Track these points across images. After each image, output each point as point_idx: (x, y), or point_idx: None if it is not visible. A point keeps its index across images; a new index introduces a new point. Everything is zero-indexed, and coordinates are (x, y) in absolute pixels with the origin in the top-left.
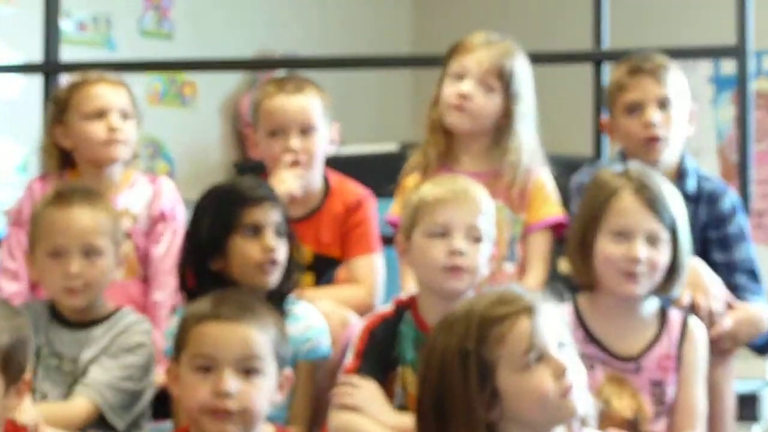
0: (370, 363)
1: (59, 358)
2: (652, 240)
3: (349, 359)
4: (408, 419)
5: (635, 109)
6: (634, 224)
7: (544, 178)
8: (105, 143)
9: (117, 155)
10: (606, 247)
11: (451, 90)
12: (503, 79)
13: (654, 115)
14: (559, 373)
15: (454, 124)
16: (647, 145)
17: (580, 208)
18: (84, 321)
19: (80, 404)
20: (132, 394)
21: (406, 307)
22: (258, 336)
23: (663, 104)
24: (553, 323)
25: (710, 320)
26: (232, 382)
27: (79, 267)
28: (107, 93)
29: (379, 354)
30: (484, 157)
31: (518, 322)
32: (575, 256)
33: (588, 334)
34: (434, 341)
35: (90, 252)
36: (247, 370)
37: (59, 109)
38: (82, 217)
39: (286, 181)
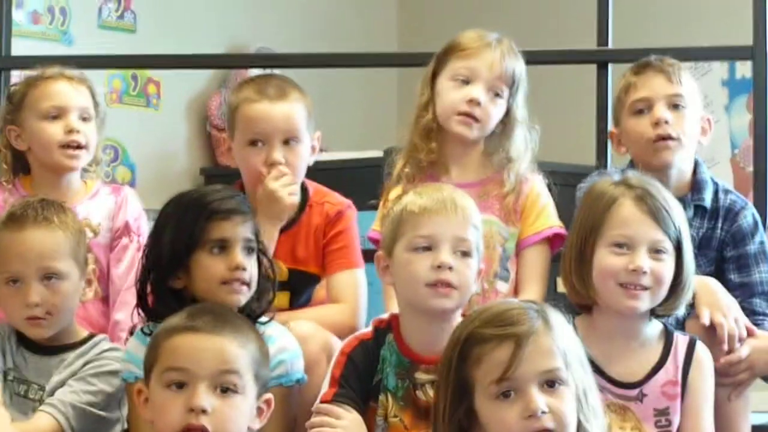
0: (348, 390)
1: (27, 385)
2: (655, 251)
3: (325, 386)
4: None
5: (643, 108)
6: (635, 234)
7: (539, 188)
8: (62, 147)
9: (74, 163)
10: (605, 259)
11: (458, 96)
12: (511, 84)
13: (664, 112)
14: (528, 413)
15: (462, 133)
16: (658, 146)
17: (577, 221)
18: (54, 346)
19: (43, 423)
20: (98, 421)
21: (386, 329)
22: (236, 350)
23: (674, 103)
24: (546, 354)
25: (730, 343)
26: (207, 398)
27: (38, 295)
28: (66, 90)
29: (358, 381)
30: (477, 167)
31: (499, 348)
32: (571, 273)
33: (588, 360)
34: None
35: (50, 277)
36: (224, 387)
37: (13, 107)
38: (38, 239)
39: (284, 197)
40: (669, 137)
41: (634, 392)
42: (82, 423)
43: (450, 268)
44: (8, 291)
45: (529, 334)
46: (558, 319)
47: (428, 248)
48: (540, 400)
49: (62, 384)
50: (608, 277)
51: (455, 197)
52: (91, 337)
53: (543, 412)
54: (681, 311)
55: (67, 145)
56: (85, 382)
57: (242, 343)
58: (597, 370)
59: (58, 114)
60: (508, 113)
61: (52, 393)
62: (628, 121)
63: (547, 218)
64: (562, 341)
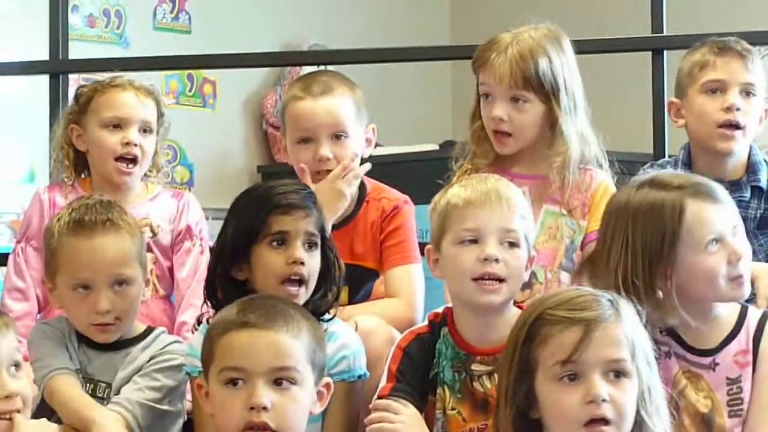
0: (405, 385)
1: (94, 384)
2: (735, 234)
3: (383, 381)
4: None
5: (717, 89)
6: (721, 226)
7: (608, 183)
8: (117, 159)
9: (125, 179)
10: (706, 260)
11: (485, 114)
12: (533, 84)
13: (737, 98)
14: (589, 398)
15: (500, 151)
16: (724, 131)
17: (633, 238)
18: (116, 342)
19: (112, 420)
20: (163, 416)
21: (441, 322)
22: (290, 342)
23: (747, 91)
24: (615, 340)
25: None
26: (266, 394)
27: (109, 302)
28: (131, 102)
29: (415, 375)
30: (537, 161)
31: (567, 331)
32: (643, 286)
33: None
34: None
35: (121, 283)
36: (281, 380)
37: (78, 107)
38: (109, 246)
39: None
40: (737, 125)
41: (708, 360)
42: (148, 419)
43: (497, 260)
44: (76, 296)
45: (600, 321)
46: (629, 311)
47: (474, 241)
48: (603, 387)
49: (127, 380)
50: (714, 277)
51: (499, 188)
52: (150, 330)
53: (604, 400)
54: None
55: (121, 157)
56: (150, 378)
57: (295, 334)
58: (675, 337)
59: (119, 124)
60: (551, 111)
61: (117, 389)
62: (697, 97)
63: None
64: (631, 333)
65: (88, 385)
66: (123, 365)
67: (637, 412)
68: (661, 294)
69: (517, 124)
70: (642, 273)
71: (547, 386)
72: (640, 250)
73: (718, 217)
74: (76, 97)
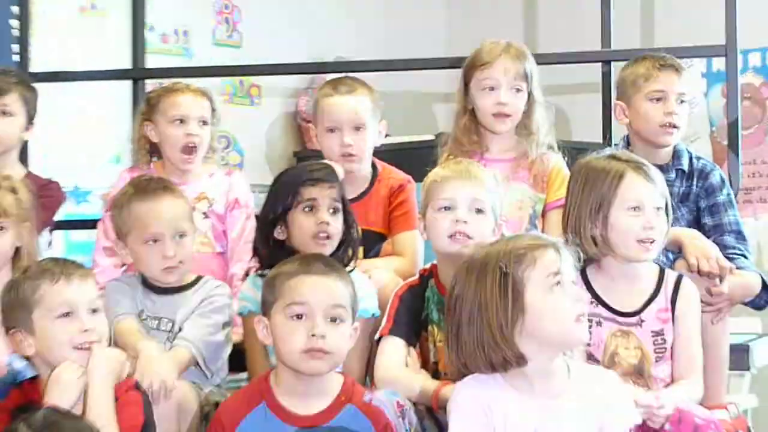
0: (399, 326)
1: (158, 320)
2: (656, 209)
3: (384, 323)
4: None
5: (659, 98)
6: (644, 199)
7: (560, 163)
8: (181, 148)
9: (188, 166)
10: (624, 221)
11: (489, 101)
12: (526, 80)
13: (675, 106)
14: (577, 298)
15: (500, 129)
16: (665, 130)
17: (585, 191)
18: (174, 287)
19: (181, 353)
20: (217, 346)
21: (429, 275)
22: (342, 288)
23: (681, 99)
24: (571, 265)
25: (712, 283)
26: (324, 326)
27: (173, 249)
28: (190, 102)
29: (409, 317)
30: (509, 147)
31: (547, 251)
32: (581, 232)
33: (596, 297)
34: (466, 273)
35: (180, 235)
36: (334, 317)
37: (149, 107)
38: (171, 206)
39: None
40: (675, 125)
41: (635, 319)
42: (208, 350)
43: (465, 222)
44: (147, 249)
45: (560, 245)
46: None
47: (449, 208)
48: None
49: (186, 317)
50: (628, 235)
51: (470, 168)
52: (199, 278)
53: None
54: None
55: (185, 146)
56: (206, 317)
57: (345, 283)
58: (604, 305)
59: (181, 120)
60: (528, 98)
61: (180, 325)
62: (642, 103)
63: (566, 188)
64: (571, 256)
65: (153, 321)
66: (181, 306)
67: None
68: (597, 241)
69: (515, 108)
70: (585, 224)
71: (539, 297)
72: (586, 203)
73: (646, 191)
74: (147, 99)
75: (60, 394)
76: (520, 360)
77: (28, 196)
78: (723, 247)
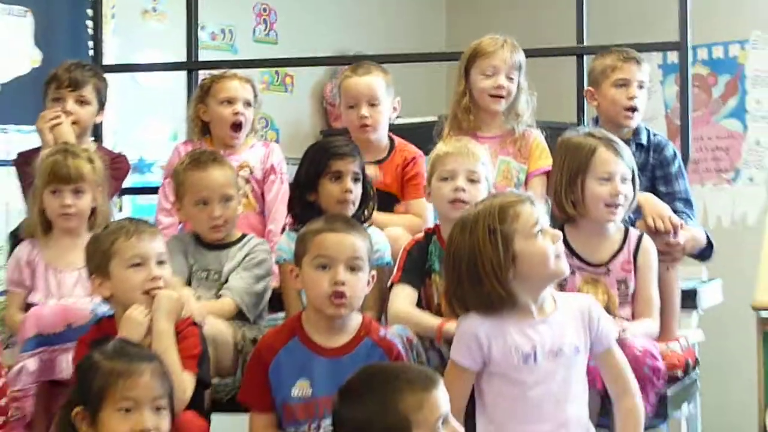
0: (408, 274)
1: (207, 272)
2: (623, 179)
3: (395, 272)
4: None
5: (623, 85)
6: (614, 170)
7: (540, 138)
8: (230, 126)
9: (234, 141)
10: (595, 189)
11: (488, 84)
12: (519, 69)
13: (636, 91)
14: (555, 239)
15: (496, 108)
16: (627, 113)
17: (563, 164)
18: (221, 243)
19: (227, 303)
20: (259, 295)
21: (432, 233)
22: (361, 243)
23: (640, 86)
24: (543, 214)
25: (668, 238)
26: (345, 275)
27: (220, 211)
28: (236, 87)
29: (415, 267)
30: (498, 125)
31: (525, 205)
32: (565, 199)
33: (571, 251)
34: (460, 231)
35: (226, 199)
36: (353, 267)
37: (202, 93)
38: (219, 175)
39: None
40: (636, 108)
41: (603, 269)
42: (251, 300)
43: (463, 191)
44: (198, 210)
45: (532, 199)
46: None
47: (449, 178)
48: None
49: (231, 271)
50: (598, 200)
51: (467, 144)
52: (243, 236)
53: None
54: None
55: (233, 123)
56: (248, 271)
57: (363, 239)
58: (578, 257)
59: (230, 101)
60: (518, 86)
61: (226, 278)
62: (609, 89)
63: (546, 159)
64: (542, 207)
65: (203, 273)
66: (227, 260)
67: None
68: (574, 204)
69: (510, 90)
70: (566, 190)
71: (527, 244)
72: (566, 173)
73: (614, 164)
74: (201, 86)
75: (130, 330)
76: (514, 299)
77: (102, 166)
78: (674, 210)
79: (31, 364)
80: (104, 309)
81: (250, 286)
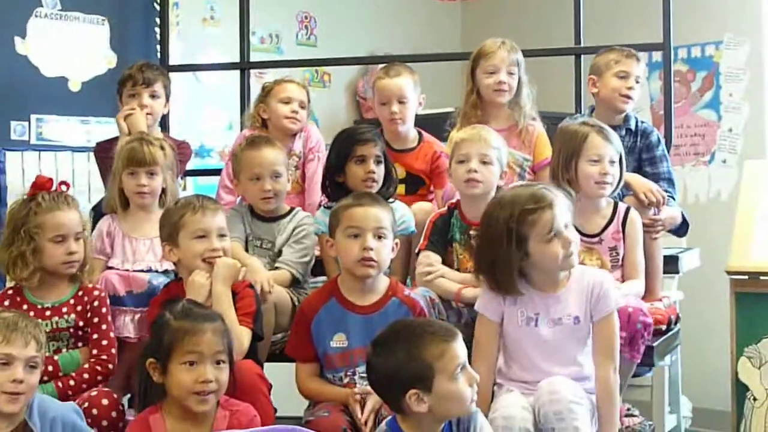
0: (433, 243)
1: (261, 241)
2: (611, 162)
3: (421, 240)
4: (459, 274)
5: (623, 77)
6: (603, 153)
7: (542, 131)
8: (286, 118)
9: (291, 133)
10: (587, 169)
11: (491, 81)
12: (518, 66)
13: (633, 83)
14: (566, 244)
15: (501, 101)
16: (624, 99)
17: (560, 148)
18: (273, 216)
19: (285, 273)
20: (308, 264)
21: (454, 207)
22: (385, 214)
23: (637, 79)
24: (564, 212)
25: (650, 213)
26: (372, 242)
27: (270, 185)
28: (293, 89)
29: (439, 237)
30: (504, 119)
31: (544, 213)
32: (561, 177)
33: None
34: (488, 221)
35: (275, 175)
36: (379, 235)
37: (264, 94)
38: (270, 154)
39: None
40: (631, 97)
41: (596, 239)
42: (303, 269)
43: (475, 171)
44: (251, 184)
45: (555, 201)
46: (559, 193)
47: (464, 162)
48: (573, 235)
49: (284, 242)
50: (589, 178)
51: (480, 130)
52: (292, 209)
53: (571, 243)
54: (616, 192)
55: (290, 118)
56: (299, 243)
57: (387, 211)
58: (575, 229)
59: (288, 101)
60: (518, 81)
61: (279, 247)
62: (611, 79)
63: (549, 150)
64: (565, 204)
65: (257, 241)
66: (279, 231)
67: None
68: (570, 182)
69: (511, 85)
70: (562, 170)
71: (540, 247)
72: (562, 155)
73: (603, 147)
74: (263, 88)
75: (194, 292)
76: (516, 293)
77: (171, 152)
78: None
79: None
80: (161, 279)
81: (301, 257)
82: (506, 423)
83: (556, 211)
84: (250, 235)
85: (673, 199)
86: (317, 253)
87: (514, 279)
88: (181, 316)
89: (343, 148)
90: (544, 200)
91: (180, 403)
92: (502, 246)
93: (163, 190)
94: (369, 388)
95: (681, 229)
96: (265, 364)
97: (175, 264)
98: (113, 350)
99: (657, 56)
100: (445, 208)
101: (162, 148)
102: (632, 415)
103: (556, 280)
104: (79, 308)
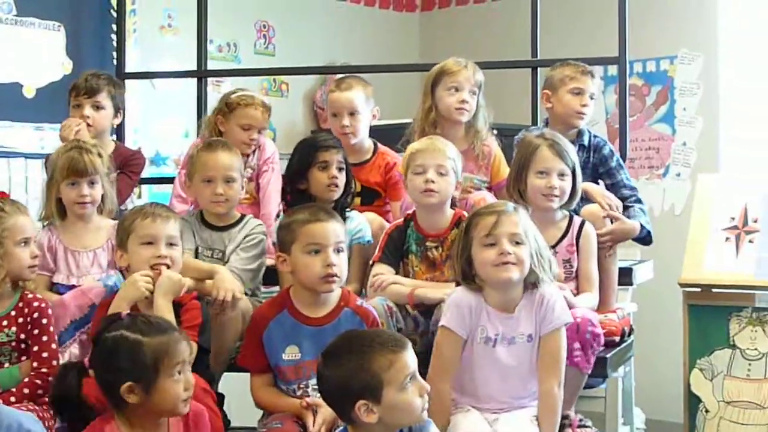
0: (388, 255)
1: (212, 251)
2: (560, 175)
3: (377, 252)
4: (411, 280)
5: (578, 93)
6: (550, 166)
7: (498, 152)
8: (243, 145)
9: (245, 152)
10: (534, 182)
11: (454, 99)
12: (479, 88)
13: (588, 100)
14: (499, 252)
15: (461, 119)
16: (579, 115)
17: (515, 159)
18: (224, 225)
19: None
20: (254, 271)
21: (410, 219)
22: (341, 227)
23: (592, 96)
24: (516, 222)
25: (611, 217)
26: (334, 258)
27: (222, 189)
28: (256, 117)
29: (394, 249)
30: (460, 140)
31: (487, 217)
32: (514, 190)
33: None
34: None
35: (228, 180)
36: (338, 249)
37: (226, 108)
38: (225, 158)
39: None
40: (584, 114)
41: (552, 251)
42: (247, 276)
43: (432, 182)
44: (203, 187)
45: (505, 212)
46: (524, 211)
47: (421, 173)
48: (509, 248)
49: (233, 251)
50: (536, 190)
51: (436, 141)
52: (243, 217)
53: (509, 254)
54: (574, 205)
55: (246, 143)
56: (246, 251)
57: (341, 224)
58: None
59: (248, 128)
60: (477, 102)
61: (228, 255)
62: (565, 95)
63: (505, 171)
64: (524, 221)
65: (208, 251)
66: (230, 240)
67: (533, 264)
68: (521, 193)
69: (472, 105)
70: (515, 181)
71: (478, 250)
72: (515, 166)
73: (551, 161)
74: (226, 101)
75: (126, 288)
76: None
77: (107, 157)
78: (623, 197)
79: (75, 349)
80: (113, 279)
81: (247, 265)
82: None
83: (501, 219)
84: (201, 245)
85: (639, 201)
86: (272, 262)
87: (466, 272)
88: (148, 331)
89: (306, 155)
90: (495, 207)
91: (165, 413)
92: (458, 245)
93: (102, 198)
94: (320, 399)
95: (644, 240)
96: (226, 374)
97: (124, 271)
98: (54, 362)
99: (612, 70)
100: (402, 219)
101: (99, 155)
102: (585, 426)
103: (511, 296)
104: (20, 320)
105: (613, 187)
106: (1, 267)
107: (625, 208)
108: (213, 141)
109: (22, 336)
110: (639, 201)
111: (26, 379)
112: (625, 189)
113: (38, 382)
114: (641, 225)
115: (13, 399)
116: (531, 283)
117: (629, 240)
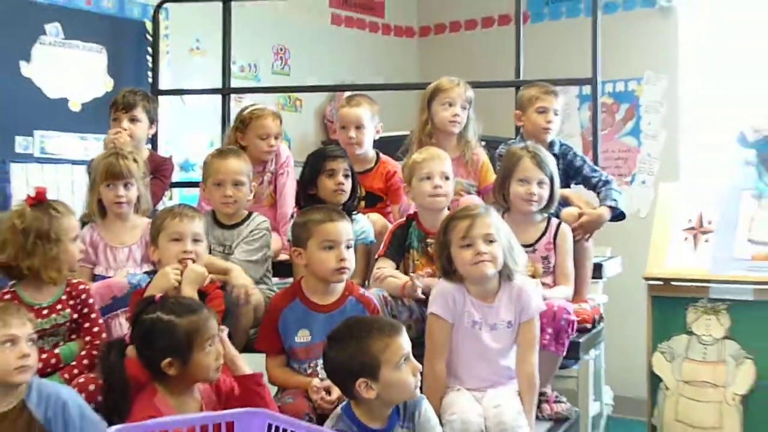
0: (391, 250)
1: (223, 246)
2: (539, 183)
3: (381, 248)
4: (404, 276)
5: (543, 111)
6: (530, 175)
7: (486, 160)
8: (262, 150)
9: (267, 158)
10: (516, 188)
11: (448, 113)
12: (470, 103)
13: (553, 117)
14: (475, 252)
15: (454, 130)
16: (545, 132)
17: (500, 167)
18: (233, 223)
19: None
20: (256, 262)
21: (412, 218)
22: (350, 227)
23: (556, 113)
24: (489, 224)
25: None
26: (346, 253)
27: (231, 192)
28: (269, 125)
29: (398, 245)
30: (453, 149)
31: (462, 221)
32: (498, 193)
33: None
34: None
35: (237, 183)
36: (348, 246)
37: (242, 124)
38: (234, 163)
39: None
40: (550, 129)
41: (530, 249)
42: (251, 267)
43: (440, 186)
44: (215, 190)
45: (478, 215)
46: (494, 211)
47: (429, 178)
48: (484, 248)
49: (238, 244)
50: (518, 197)
51: (437, 151)
52: (250, 215)
53: (485, 253)
54: (553, 209)
55: (267, 151)
56: (249, 243)
57: (350, 224)
58: None
59: (266, 137)
60: (468, 116)
61: (234, 249)
62: (533, 114)
63: (492, 177)
64: (495, 221)
65: (219, 247)
66: (237, 236)
67: (506, 259)
68: (505, 199)
69: (463, 118)
70: (499, 186)
71: (456, 251)
72: (500, 176)
73: (531, 170)
74: (242, 119)
75: (159, 279)
76: (452, 275)
77: (142, 163)
78: (593, 186)
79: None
80: (138, 278)
81: (249, 256)
82: (464, 427)
83: (475, 221)
84: (213, 242)
85: (608, 182)
86: (287, 256)
87: (448, 270)
88: (181, 312)
89: (315, 164)
90: (468, 210)
91: (200, 380)
92: (438, 245)
93: (138, 198)
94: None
95: (617, 217)
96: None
97: (155, 264)
98: (104, 335)
99: (586, 90)
100: (404, 219)
101: (135, 161)
102: (560, 402)
103: (492, 286)
104: (71, 303)
105: (584, 182)
106: (63, 260)
107: (599, 194)
108: (224, 149)
109: (75, 316)
110: (607, 182)
111: (83, 352)
112: (593, 178)
113: (94, 353)
114: (611, 207)
115: (75, 371)
116: (506, 275)
117: (606, 222)
